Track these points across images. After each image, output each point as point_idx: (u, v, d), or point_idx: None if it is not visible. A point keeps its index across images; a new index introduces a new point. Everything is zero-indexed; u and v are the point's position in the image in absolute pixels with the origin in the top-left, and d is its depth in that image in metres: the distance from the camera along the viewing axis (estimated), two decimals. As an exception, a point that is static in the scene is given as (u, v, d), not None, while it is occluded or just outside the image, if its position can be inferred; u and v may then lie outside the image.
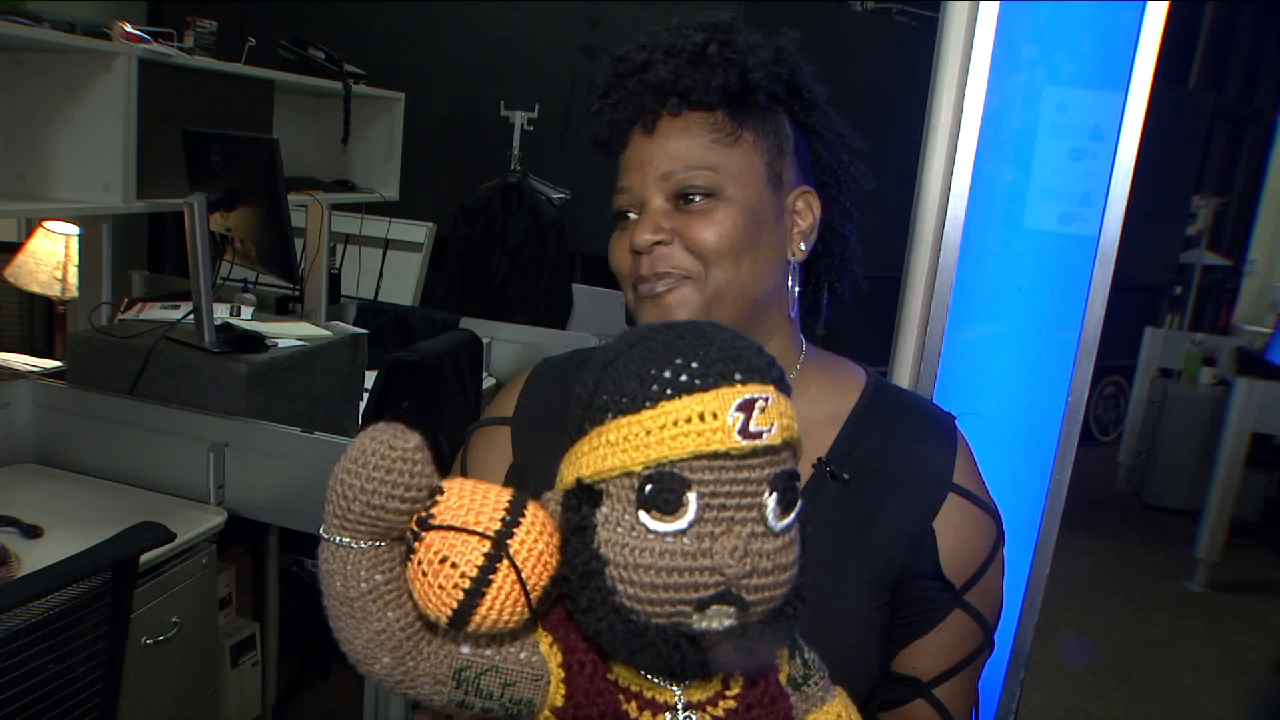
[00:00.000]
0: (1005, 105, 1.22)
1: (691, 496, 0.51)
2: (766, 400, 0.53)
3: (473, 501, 0.53)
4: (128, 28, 2.46)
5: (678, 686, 0.56)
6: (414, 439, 0.52)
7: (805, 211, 0.93)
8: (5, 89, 2.43)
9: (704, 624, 0.52)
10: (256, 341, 2.42)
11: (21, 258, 3.05)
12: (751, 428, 0.52)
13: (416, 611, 0.53)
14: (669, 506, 0.51)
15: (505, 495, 0.54)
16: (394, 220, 4.42)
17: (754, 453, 0.52)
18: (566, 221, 4.61)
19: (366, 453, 0.51)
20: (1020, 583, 1.30)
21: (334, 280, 3.76)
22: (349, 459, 0.52)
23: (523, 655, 0.55)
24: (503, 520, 0.52)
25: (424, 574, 0.51)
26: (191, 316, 2.45)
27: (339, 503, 0.52)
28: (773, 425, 0.53)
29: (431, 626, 0.54)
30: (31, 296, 3.39)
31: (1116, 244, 1.19)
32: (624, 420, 0.53)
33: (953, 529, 0.89)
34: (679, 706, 0.55)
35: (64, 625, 1.46)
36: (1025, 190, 1.26)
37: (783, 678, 0.60)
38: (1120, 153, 1.17)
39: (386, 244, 4.55)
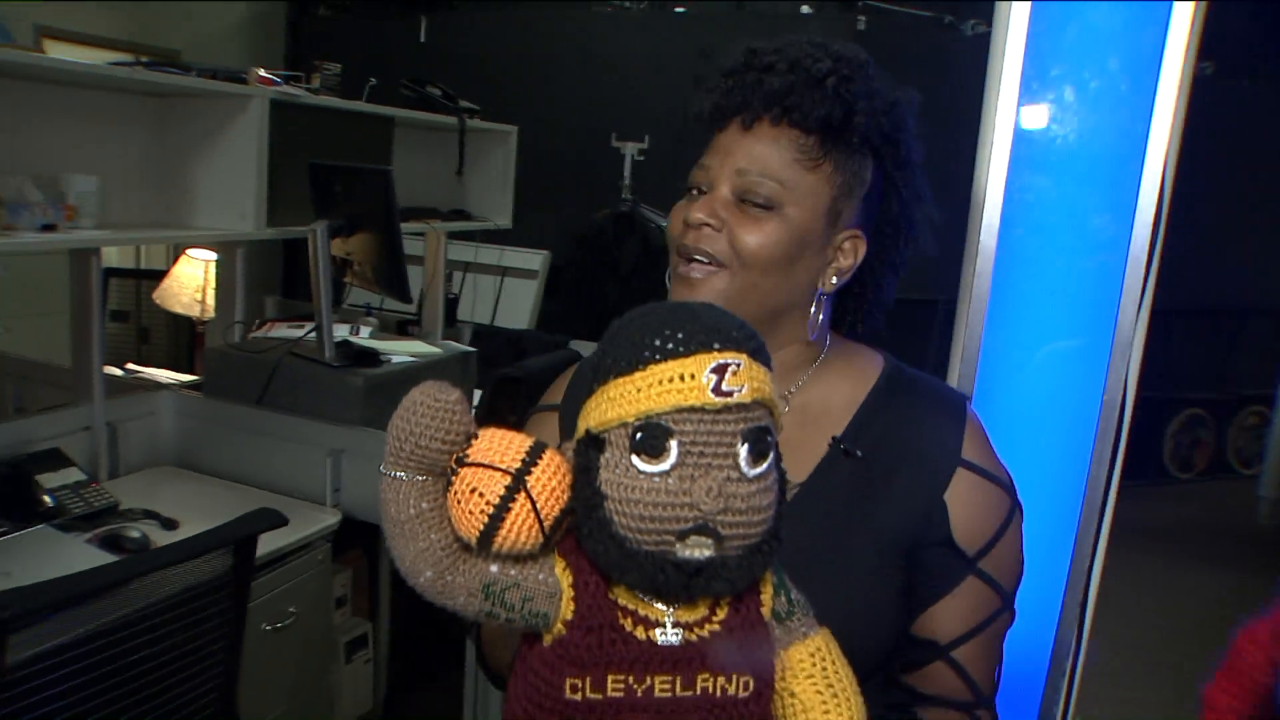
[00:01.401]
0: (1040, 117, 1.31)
1: (673, 444, 0.62)
2: (738, 365, 0.63)
3: (500, 445, 0.64)
4: (262, 72, 2.69)
5: (667, 607, 0.66)
6: (455, 393, 0.65)
7: (849, 253, 1.00)
8: (158, 130, 2.69)
9: (685, 552, 0.62)
10: (372, 357, 2.61)
11: (167, 282, 3.33)
12: (724, 387, 0.62)
13: (454, 534, 0.65)
14: (654, 451, 0.62)
15: (527, 442, 0.65)
16: (509, 248, 4.62)
17: (726, 409, 0.62)
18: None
19: (416, 403, 0.64)
20: (1060, 582, 1.36)
21: (451, 304, 3.97)
22: (403, 408, 0.64)
23: (540, 575, 0.66)
24: (522, 460, 0.64)
25: (458, 502, 0.63)
26: (314, 334, 2.66)
27: (394, 443, 0.64)
28: (743, 386, 0.63)
29: (466, 548, 0.65)
30: (176, 317, 3.68)
31: (1147, 246, 1.26)
32: (621, 380, 0.64)
33: (962, 501, 0.97)
34: (667, 624, 0.65)
35: (193, 600, 1.65)
36: (1063, 201, 1.33)
37: (766, 611, 0.70)
38: (1149, 157, 1.24)
39: (503, 271, 4.76)
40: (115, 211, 2.54)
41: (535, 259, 4.89)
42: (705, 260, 0.97)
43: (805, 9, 5.15)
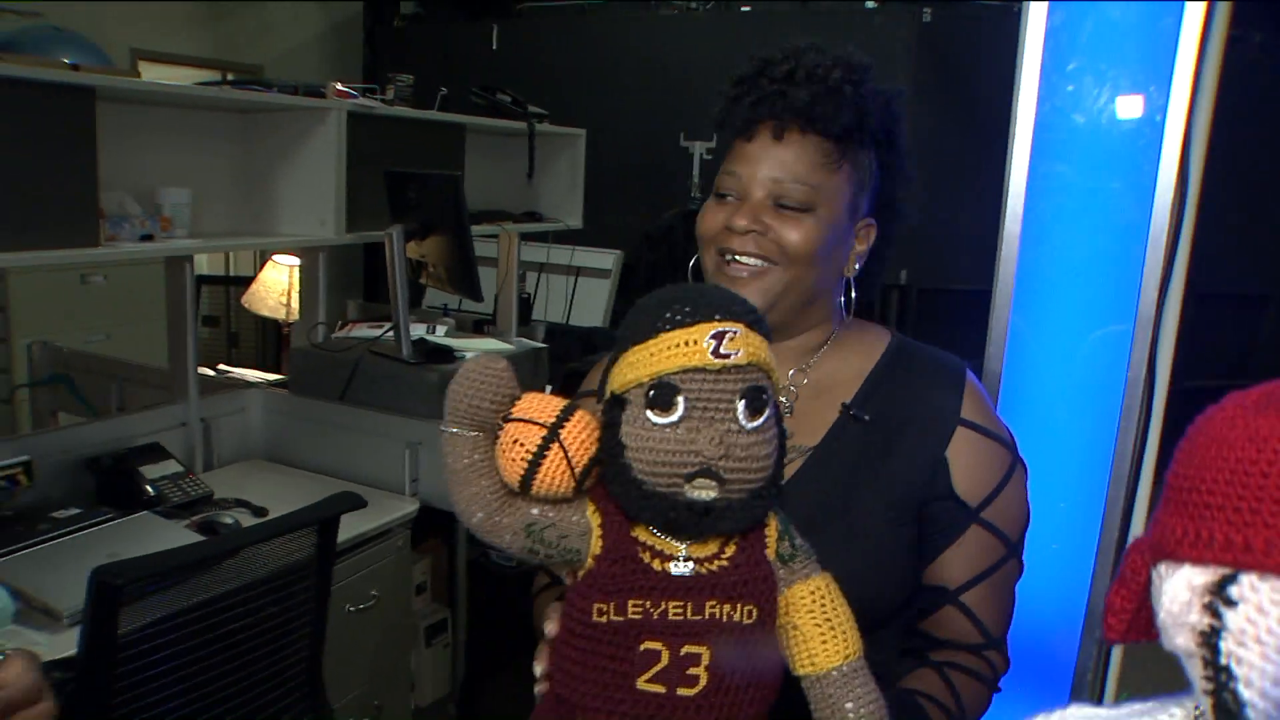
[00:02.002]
0: (1059, 110, 1.37)
1: (680, 399, 0.71)
2: (736, 333, 0.72)
3: (538, 404, 0.75)
4: (339, 86, 2.84)
5: (681, 543, 0.75)
6: (503, 362, 0.75)
7: (864, 239, 1.12)
8: (244, 143, 2.85)
9: (693, 494, 0.71)
10: (447, 353, 2.74)
11: (255, 287, 3.50)
12: (722, 350, 0.71)
13: (501, 482, 0.76)
14: (665, 405, 0.71)
15: (562, 402, 0.75)
16: (581, 248, 4.74)
17: (725, 370, 0.71)
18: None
19: (470, 370, 0.75)
20: (1091, 545, 1.42)
21: (525, 304, 4.10)
22: (459, 375, 0.75)
23: (574, 517, 0.76)
24: (557, 417, 0.74)
25: (502, 451, 0.74)
26: (392, 333, 2.80)
27: (451, 404, 0.75)
28: (740, 350, 0.72)
29: (512, 494, 0.76)
30: (263, 320, 3.86)
31: (1165, 231, 1.31)
32: (638, 347, 0.74)
33: (963, 456, 1.06)
34: (680, 558, 0.75)
35: (282, 577, 1.78)
36: (1083, 189, 1.40)
37: (770, 553, 0.79)
38: (1166, 142, 1.30)
39: (576, 271, 4.88)
40: (205, 221, 2.71)
41: (607, 258, 5.00)
42: (752, 260, 1.06)
43: (870, 4, 5.17)
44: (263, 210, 2.90)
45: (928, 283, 4.90)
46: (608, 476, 0.74)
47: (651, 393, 0.72)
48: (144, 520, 2.23)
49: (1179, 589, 0.50)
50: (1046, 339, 1.54)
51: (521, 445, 0.73)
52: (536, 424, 0.73)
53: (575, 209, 4.05)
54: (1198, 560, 0.49)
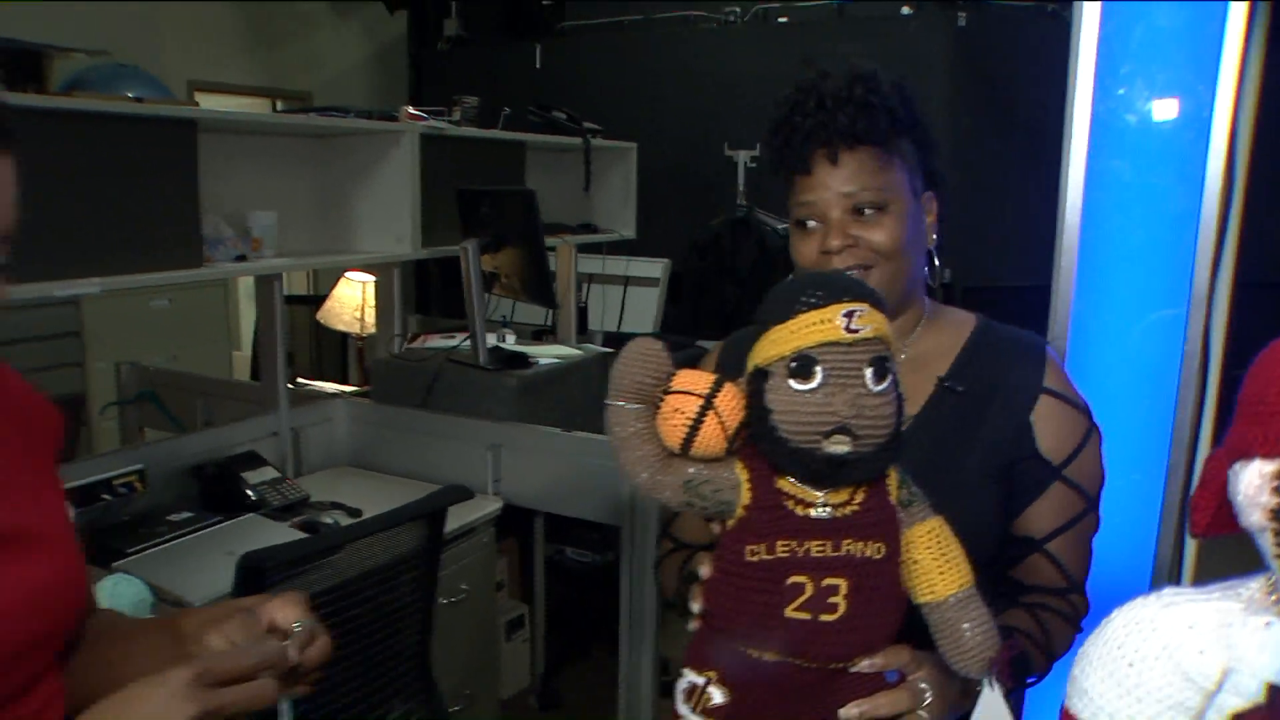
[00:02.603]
0: (1112, 111, 1.49)
1: (819, 369, 0.83)
2: (863, 311, 0.85)
3: (693, 378, 0.87)
4: (410, 110, 3.00)
5: (820, 492, 0.87)
6: (660, 344, 0.88)
7: (931, 211, 1.26)
8: (322, 167, 3.01)
9: (830, 448, 0.83)
10: (522, 360, 2.88)
11: (329, 304, 3.67)
12: (852, 326, 0.84)
13: (661, 446, 0.88)
14: (805, 375, 0.83)
15: (713, 376, 0.87)
16: (634, 258, 4.87)
17: (855, 343, 0.83)
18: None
19: (633, 351, 0.87)
20: (1156, 506, 1.55)
21: (581, 313, 4.24)
22: (624, 355, 0.87)
23: (725, 474, 0.88)
24: (711, 388, 0.86)
25: (665, 419, 0.86)
26: (467, 343, 2.95)
27: (617, 380, 0.87)
28: (867, 326, 0.84)
29: (671, 455, 0.88)
30: (323, 335, 4.03)
31: (1215, 218, 1.43)
32: (779, 327, 0.86)
33: (1046, 421, 1.19)
34: (819, 504, 0.87)
35: (395, 567, 1.92)
36: (1136, 184, 1.52)
37: (893, 499, 0.91)
38: (1213, 138, 1.42)
39: (626, 280, 5.01)
40: (289, 241, 2.86)
41: (656, 267, 5.11)
42: (853, 272, 1.18)
43: (905, 10, 5.27)
44: (340, 229, 3.06)
45: (971, 281, 4.98)
46: (755, 437, 0.87)
47: (793, 364, 0.84)
48: (251, 521, 2.39)
49: (1252, 478, 0.65)
50: (1105, 324, 1.66)
51: (682, 413, 0.85)
52: (694, 395, 0.86)
53: (629, 220, 4.19)
54: (1266, 454, 0.64)
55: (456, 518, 2.45)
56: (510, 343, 3.20)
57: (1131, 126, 1.48)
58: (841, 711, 0.90)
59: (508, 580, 3.19)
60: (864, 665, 0.90)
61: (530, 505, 2.76)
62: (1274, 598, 0.67)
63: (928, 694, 0.93)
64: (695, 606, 0.93)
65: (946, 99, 4.78)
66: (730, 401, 0.86)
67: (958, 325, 1.28)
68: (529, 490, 2.71)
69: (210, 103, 5.55)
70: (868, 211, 1.18)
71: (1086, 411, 1.22)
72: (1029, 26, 5.01)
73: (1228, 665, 0.65)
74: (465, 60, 6.40)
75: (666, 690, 3.03)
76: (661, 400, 0.87)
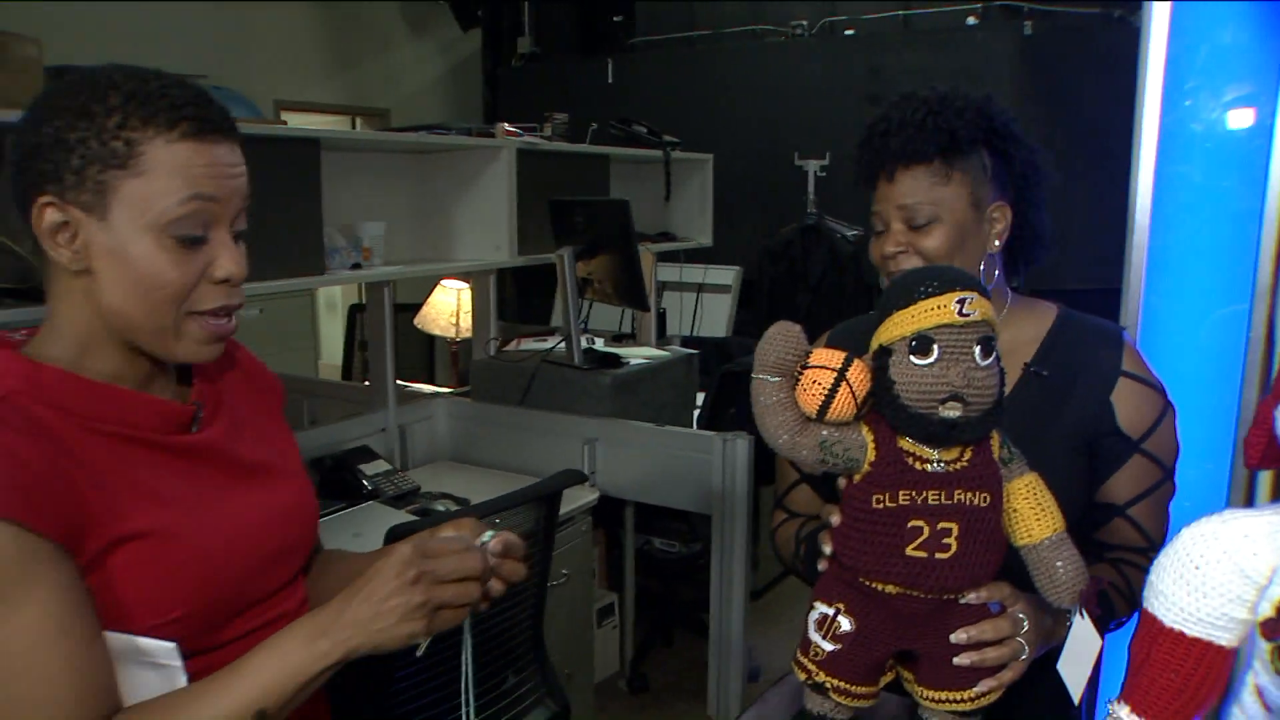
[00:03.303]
0: (1179, 121, 1.63)
1: (936, 347, 0.98)
2: (972, 298, 1.00)
3: (828, 355, 1.02)
4: (507, 126, 3.19)
5: (934, 450, 1.02)
6: (797, 327, 1.03)
7: (1000, 220, 1.37)
8: (422, 181, 3.22)
9: (945, 413, 0.98)
10: (615, 360, 3.06)
11: (426, 309, 3.87)
12: (964, 310, 0.99)
13: (798, 412, 1.03)
14: (924, 352, 0.98)
15: (844, 354, 1.02)
16: (709, 266, 5.03)
17: (966, 325, 0.99)
18: (861, 255, 5.04)
19: (775, 332, 1.02)
20: (1223, 483, 1.67)
21: (660, 318, 4.41)
22: (767, 337, 1.02)
23: (853, 436, 1.03)
24: (843, 363, 1.01)
25: (804, 389, 1.01)
26: (561, 345, 3.13)
27: (762, 358, 1.02)
28: (975, 311, 0.99)
29: (807, 420, 1.03)
30: (418, 339, 4.24)
31: (1277, 218, 1.56)
32: (900, 312, 1.01)
33: (1125, 400, 1.32)
34: (934, 460, 1.02)
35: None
36: (1202, 187, 1.65)
37: (995, 456, 1.06)
38: (1276, 144, 1.55)
39: (700, 287, 5.17)
40: (393, 251, 3.07)
41: (728, 274, 5.27)
42: None
43: (971, 20, 5.37)
44: (440, 238, 3.26)
45: (1040, 284, 5.06)
46: (880, 404, 1.02)
47: (914, 343, 0.99)
48: (372, 509, 2.58)
49: None
50: (1174, 319, 1.80)
51: (819, 384, 1.01)
52: (829, 369, 1.02)
53: (705, 228, 4.36)
54: None
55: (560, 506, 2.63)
56: (601, 345, 3.38)
57: (1197, 133, 1.62)
58: (952, 635, 1.06)
59: (598, 569, 3.36)
60: (971, 597, 1.06)
61: (626, 496, 2.93)
62: None
63: (1025, 623, 1.08)
64: (826, 549, 1.09)
65: (1012, 107, 4.86)
66: (859, 374, 1.02)
67: (1040, 315, 1.41)
68: (624, 482, 2.89)
69: (295, 121, 5.80)
70: (920, 222, 1.33)
71: (1162, 390, 1.35)
72: (1095, 34, 5.08)
73: (1277, 564, 0.79)
74: (539, 76, 6.60)
75: (753, 676, 3.18)
76: (800, 374, 1.03)
